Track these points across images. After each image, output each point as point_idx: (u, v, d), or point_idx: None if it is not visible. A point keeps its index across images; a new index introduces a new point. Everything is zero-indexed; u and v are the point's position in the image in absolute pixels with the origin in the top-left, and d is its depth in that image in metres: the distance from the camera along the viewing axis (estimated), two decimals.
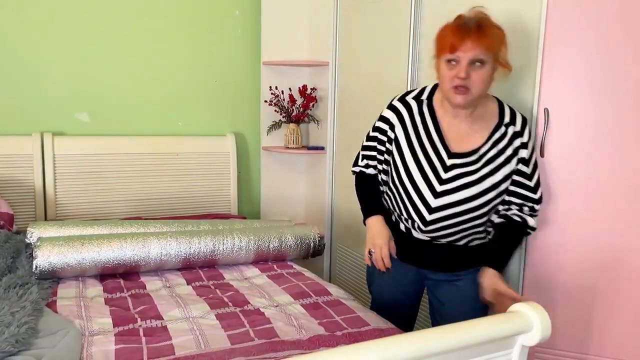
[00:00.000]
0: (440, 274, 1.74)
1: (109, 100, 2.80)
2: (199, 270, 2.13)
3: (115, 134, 2.81)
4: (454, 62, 1.49)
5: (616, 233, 1.70)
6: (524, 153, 1.59)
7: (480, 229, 1.67)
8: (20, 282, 1.76)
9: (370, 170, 1.77)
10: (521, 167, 1.60)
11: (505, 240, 1.65)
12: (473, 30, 1.47)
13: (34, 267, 1.86)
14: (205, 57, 2.97)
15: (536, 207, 1.64)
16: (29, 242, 2.08)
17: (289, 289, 1.92)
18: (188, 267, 2.12)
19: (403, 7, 2.32)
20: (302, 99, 2.99)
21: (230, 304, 1.76)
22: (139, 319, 1.62)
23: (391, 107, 1.70)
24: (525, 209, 1.64)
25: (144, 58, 2.84)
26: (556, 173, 1.75)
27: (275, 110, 3.02)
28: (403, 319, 1.84)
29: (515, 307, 1.19)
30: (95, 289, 1.88)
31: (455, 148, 1.60)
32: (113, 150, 2.74)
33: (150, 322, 1.60)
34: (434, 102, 1.65)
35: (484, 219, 1.64)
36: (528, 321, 1.16)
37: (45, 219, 2.59)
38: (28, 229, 2.12)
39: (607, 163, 1.69)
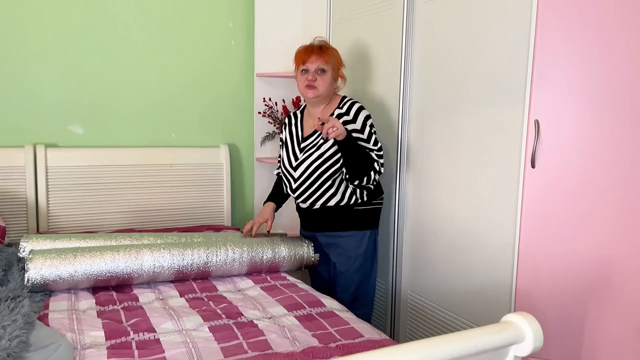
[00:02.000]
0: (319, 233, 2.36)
1: (102, 112, 2.80)
2: (192, 282, 2.12)
3: (108, 146, 2.81)
4: (305, 71, 2.21)
5: (608, 243, 1.71)
6: (350, 127, 2.15)
7: (331, 189, 2.22)
8: (11, 295, 1.75)
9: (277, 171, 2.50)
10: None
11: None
12: (316, 49, 2.21)
13: (26, 279, 1.85)
14: (198, 68, 2.99)
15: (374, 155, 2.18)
16: (21, 255, 2.07)
17: (283, 300, 1.92)
18: (181, 279, 2.12)
19: (395, 20, 2.35)
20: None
21: (223, 316, 1.76)
22: (131, 332, 1.61)
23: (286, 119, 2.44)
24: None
25: (137, 69, 2.85)
26: (547, 184, 1.77)
27: (269, 122, 3.03)
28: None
29: (508, 317, 1.20)
30: (87, 302, 1.87)
31: (306, 133, 2.30)
32: (106, 162, 2.74)
33: (143, 335, 1.59)
34: (305, 111, 2.37)
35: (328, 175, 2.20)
36: (520, 332, 1.17)
37: (38, 232, 2.58)
38: (20, 241, 2.11)
39: (598, 173, 1.70)
